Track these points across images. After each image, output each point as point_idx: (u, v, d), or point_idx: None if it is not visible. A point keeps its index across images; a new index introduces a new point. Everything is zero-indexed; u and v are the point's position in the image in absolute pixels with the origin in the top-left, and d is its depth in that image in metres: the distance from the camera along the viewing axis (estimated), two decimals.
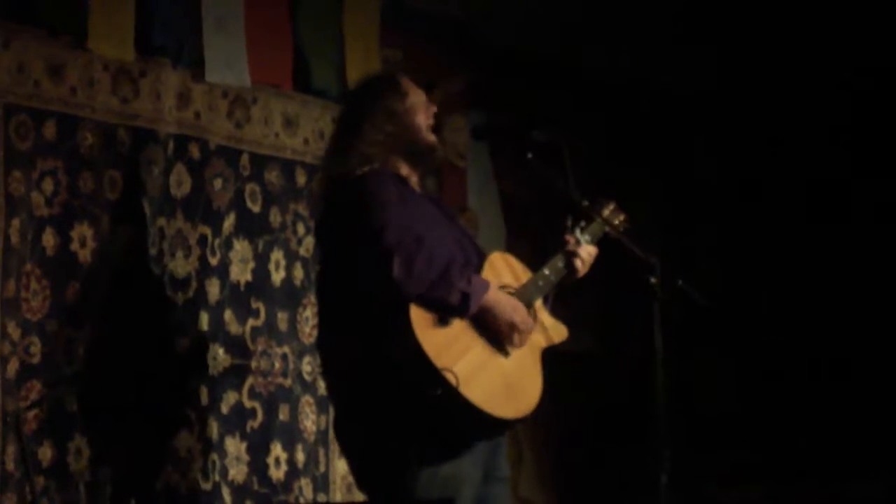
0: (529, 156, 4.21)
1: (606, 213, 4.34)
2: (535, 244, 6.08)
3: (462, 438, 3.91)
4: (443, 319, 3.85)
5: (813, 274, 6.67)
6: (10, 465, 4.30)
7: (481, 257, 4.12)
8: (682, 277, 4.17)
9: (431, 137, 4.16)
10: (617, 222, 4.35)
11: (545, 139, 4.20)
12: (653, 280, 4.10)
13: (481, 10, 6.08)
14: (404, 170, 4.13)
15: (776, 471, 6.52)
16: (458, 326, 3.88)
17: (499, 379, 3.92)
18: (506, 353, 3.96)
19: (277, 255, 5.23)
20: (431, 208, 4.14)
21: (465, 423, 3.86)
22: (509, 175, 6.26)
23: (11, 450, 4.29)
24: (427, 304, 3.83)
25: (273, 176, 5.26)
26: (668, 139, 6.88)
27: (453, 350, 3.83)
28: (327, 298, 4.11)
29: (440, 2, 5.98)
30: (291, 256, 5.28)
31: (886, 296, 6.56)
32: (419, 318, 3.81)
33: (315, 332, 5.29)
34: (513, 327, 3.96)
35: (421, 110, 4.16)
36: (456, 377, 3.76)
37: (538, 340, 4.09)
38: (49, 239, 4.48)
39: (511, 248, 5.79)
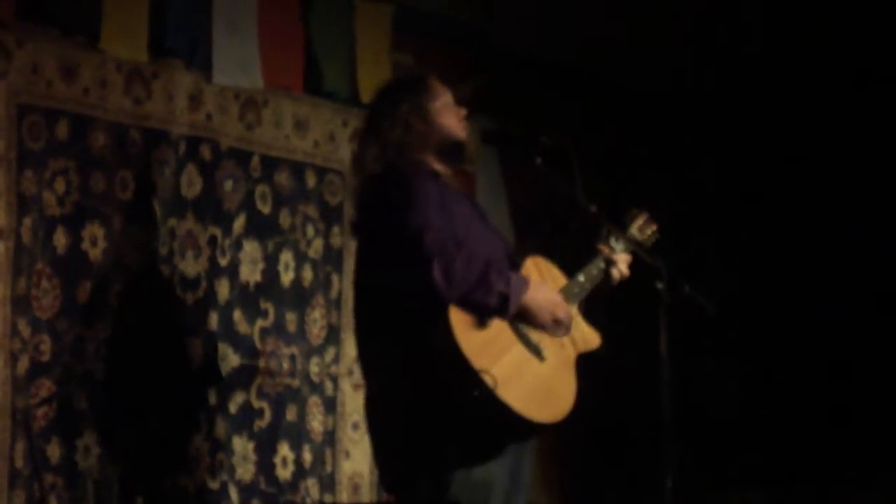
0: (538, 160, 4.21)
1: (639, 223, 4.36)
2: (543, 249, 6.08)
3: (495, 441, 3.89)
4: (482, 321, 3.83)
5: (817, 280, 6.67)
6: (19, 462, 4.32)
7: (510, 254, 4.12)
8: (689, 283, 4.18)
9: (462, 133, 4.14)
10: (649, 233, 4.37)
11: (553, 144, 4.20)
12: (659, 285, 4.12)
13: (492, 14, 6.09)
14: (436, 166, 4.13)
15: (781, 475, 6.52)
16: (497, 328, 3.86)
17: (535, 382, 3.89)
18: (542, 358, 3.95)
19: (287, 257, 5.25)
20: (467, 206, 4.12)
21: (500, 426, 3.83)
22: (518, 179, 6.27)
23: (20, 447, 4.32)
24: (466, 306, 3.81)
25: (283, 178, 5.28)
26: (675, 145, 6.89)
27: (491, 352, 3.81)
28: (364, 296, 4.04)
29: (451, 7, 6.00)
30: (300, 258, 5.30)
31: (889, 301, 6.56)
32: (458, 319, 3.79)
33: (322, 333, 5.31)
34: (556, 322, 3.97)
35: (450, 110, 4.15)
36: (494, 379, 3.76)
37: (573, 346, 4.09)
38: (60, 238, 4.50)
39: (519, 252, 5.79)
